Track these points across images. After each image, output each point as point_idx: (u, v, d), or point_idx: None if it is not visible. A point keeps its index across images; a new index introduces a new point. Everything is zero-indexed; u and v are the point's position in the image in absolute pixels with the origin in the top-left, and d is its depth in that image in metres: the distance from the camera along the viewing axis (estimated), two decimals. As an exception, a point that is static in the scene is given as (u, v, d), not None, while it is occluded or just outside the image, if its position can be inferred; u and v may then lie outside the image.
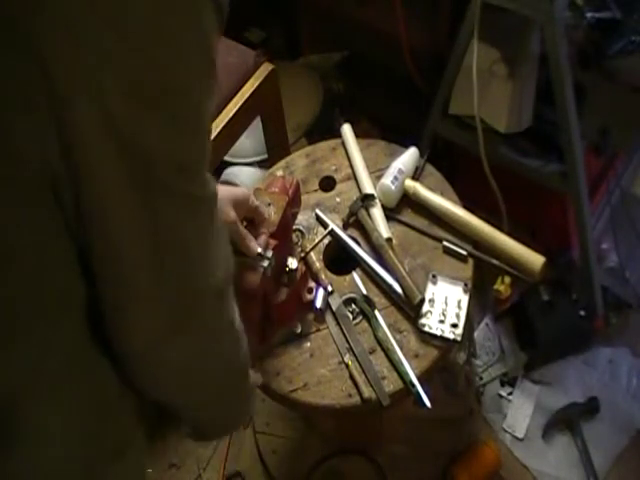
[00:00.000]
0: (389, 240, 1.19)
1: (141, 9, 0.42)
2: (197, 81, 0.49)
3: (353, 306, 1.16)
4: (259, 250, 0.97)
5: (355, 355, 1.10)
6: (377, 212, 1.23)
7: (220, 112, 1.44)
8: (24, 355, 0.49)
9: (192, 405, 0.68)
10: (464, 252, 1.18)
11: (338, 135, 1.37)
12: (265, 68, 1.52)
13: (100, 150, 0.43)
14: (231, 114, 1.45)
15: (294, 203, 1.13)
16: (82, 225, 0.47)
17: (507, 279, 1.71)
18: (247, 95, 1.48)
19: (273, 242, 1.02)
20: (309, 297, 1.15)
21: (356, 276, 1.19)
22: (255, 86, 1.49)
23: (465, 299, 1.14)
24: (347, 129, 1.37)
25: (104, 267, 0.50)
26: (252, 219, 1.02)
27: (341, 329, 1.13)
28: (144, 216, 0.47)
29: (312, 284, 1.16)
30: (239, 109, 1.46)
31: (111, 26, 0.41)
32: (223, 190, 0.94)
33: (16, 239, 0.44)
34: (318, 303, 1.14)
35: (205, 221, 0.54)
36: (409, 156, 1.29)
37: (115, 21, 0.41)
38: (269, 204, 1.06)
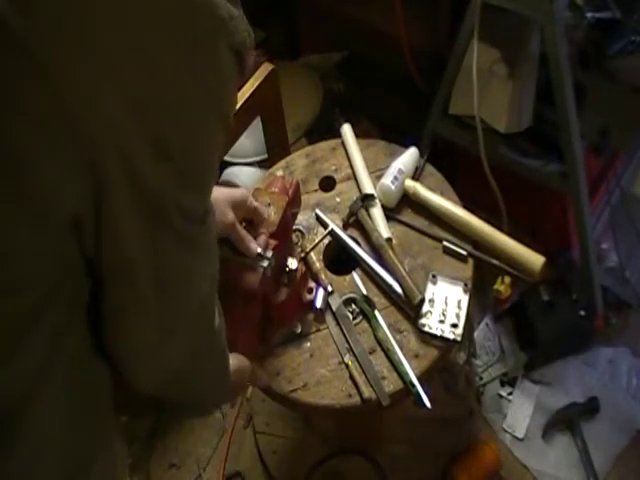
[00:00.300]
0: (389, 240, 1.19)
1: (168, 75, 0.45)
2: (214, 140, 0.54)
3: (353, 306, 1.15)
4: (259, 250, 0.97)
5: (355, 355, 1.10)
6: (377, 212, 1.23)
7: (220, 112, 1.44)
8: (32, 358, 0.50)
9: (181, 395, 0.74)
10: (464, 252, 1.18)
11: (338, 135, 1.37)
12: (265, 68, 1.51)
13: (121, 196, 0.47)
14: (231, 114, 1.44)
15: (294, 203, 1.13)
16: (98, 247, 0.51)
17: (507, 279, 1.71)
18: (247, 95, 1.48)
19: (273, 242, 1.02)
20: (309, 297, 1.15)
21: (356, 276, 1.19)
22: (255, 86, 1.49)
23: (465, 299, 1.14)
24: (347, 129, 1.36)
25: (115, 280, 0.54)
26: (251, 220, 1.02)
27: (341, 329, 1.13)
28: (151, 249, 0.53)
29: (312, 284, 1.16)
30: (239, 109, 1.46)
31: (138, 85, 0.44)
32: (222, 191, 0.95)
33: (37, 262, 0.47)
34: (318, 303, 1.14)
35: (200, 253, 0.60)
36: (409, 156, 1.29)
37: (141, 83, 0.44)
38: (269, 204, 1.06)
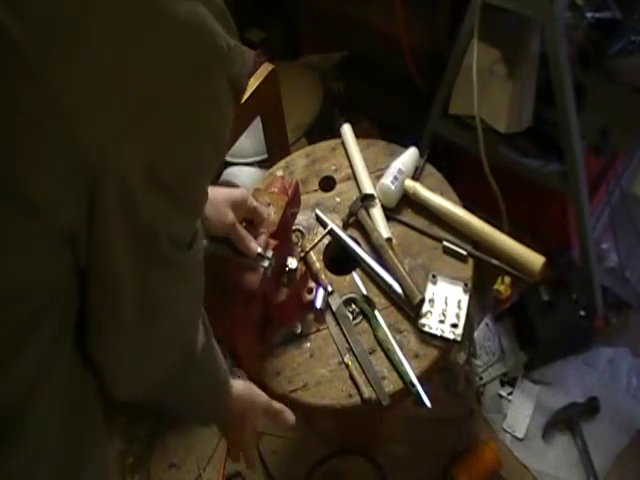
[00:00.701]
0: (389, 240, 1.19)
1: (163, 105, 0.45)
2: (208, 167, 0.55)
3: (353, 306, 1.15)
4: (259, 250, 0.97)
5: (355, 355, 1.10)
6: (377, 212, 1.23)
7: (220, 112, 1.44)
8: (31, 365, 0.51)
9: (166, 408, 0.77)
10: (464, 252, 1.18)
11: (338, 135, 1.37)
12: (265, 68, 1.51)
13: (113, 210, 0.47)
14: (231, 114, 1.44)
15: (294, 203, 1.13)
16: (89, 260, 0.51)
17: (507, 279, 1.71)
18: (247, 95, 1.48)
19: (273, 242, 1.02)
20: (309, 297, 1.15)
21: (356, 276, 1.19)
22: (255, 86, 1.49)
23: (465, 299, 1.14)
24: (347, 129, 1.37)
25: (100, 296, 0.54)
26: (251, 219, 1.02)
27: (341, 329, 1.13)
28: (138, 271, 0.53)
29: (312, 284, 1.16)
30: (239, 109, 1.46)
31: (132, 104, 0.43)
32: (221, 192, 0.95)
33: (35, 270, 0.47)
34: (318, 303, 1.14)
35: (185, 279, 0.60)
36: (409, 156, 1.29)
37: (135, 106, 0.44)
38: (269, 204, 1.06)
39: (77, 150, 0.42)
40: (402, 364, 1.07)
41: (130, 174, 0.45)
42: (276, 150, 1.69)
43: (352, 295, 1.16)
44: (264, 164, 1.88)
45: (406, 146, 1.32)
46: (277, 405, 0.92)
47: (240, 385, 0.86)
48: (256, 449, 0.98)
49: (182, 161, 0.49)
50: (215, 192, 0.95)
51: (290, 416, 0.93)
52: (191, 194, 0.54)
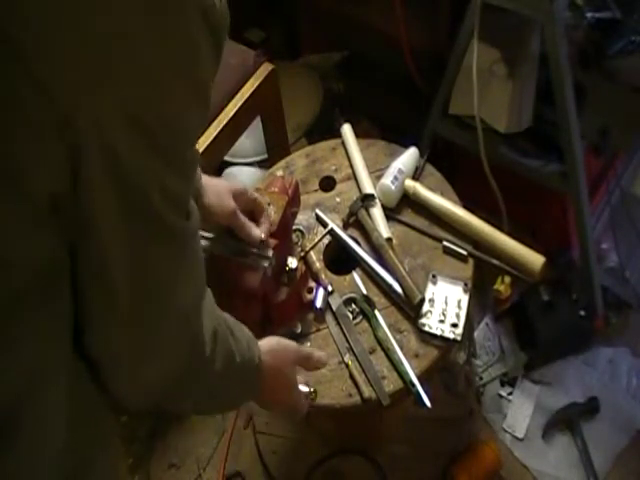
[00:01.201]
0: (389, 240, 1.19)
1: (144, 55, 0.44)
2: (192, 117, 0.51)
3: (353, 306, 1.15)
4: (262, 236, 0.97)
5: (355, 355, 1.10)
6: (377, 212, 1.23)
7: (220, 112, 1.44)
8: (26, 362, 0.50)
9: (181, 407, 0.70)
10: (464, 252, 1.18)
11: (338, 135, 1.37)
12: (265, 68, 1.51)
13: (96, 170, 0.45)
14: (231, 114, 1.45)
15: (294, 203, 1.13)
16: (75, 235, 0.48)
17: (507, 279, 1.71)
18: (247, 95, 1.48)
19: (273, 242, 1.02)
20: (309, 297, 1.15)
21: (356, 276, 1.19)
22: (255, 86, 1.49)
23: (465, 299, 1.14)
24: (347, 129, 1.36)
25: (89, 281, 0.51)
26: (251, 211, 1.01)
27: (341, 329, 1.13)
28: (128, 240, 0.49)
29: (312, 284, 1.16)
30: (239, 109, 1.46)
31: (100, 48, 0.42)
32: (222, 182, 0.96)
33: (19, 242, 0.46)
34: (318, 303, 1.14)
35: (185, 255, 0.55)
36: (409, 156, 1.29)
37: (103, 45, 0.42)
38: (269, 204, 1.06)
39: (51, 103, 0.41)
40: (402, 364, 1.07)
41: (109, 122, 0.43)
42: (276, 150, 1.69)
43: (352, 295, 1.16)
44: (264, 164, 1.88)
45: (406, 146, 1.32)
46: (305, 350, 0.87)
47: (266, 347, 0.78)
48: (306, 406, 0.89)
49: (161, 104, 0.47)
50: (217, 181, 0.96)
51: (322, 356, 0.90)
52: (177, 144, 0.50)
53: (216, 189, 0.94)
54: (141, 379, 0.59)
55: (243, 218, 0.96)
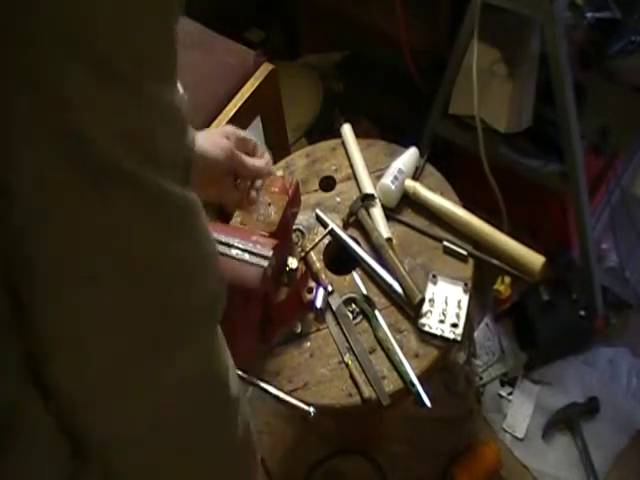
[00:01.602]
0: (389, 240, 1.19)
1: None
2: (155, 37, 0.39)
3: (353, 306, 1.16)
4: (263, 164, 0.97)
5: (355, 355, 1.10)
6: (377, 212, 1.23)
7: (220, 112, 1.44)
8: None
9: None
10: (464, 252, 1.18)
11: (338, 135, 1.37)
12: (265, 68, 1.52)
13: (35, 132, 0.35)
14: (231, 114, 1.45)
15: (294, 203, 1.13)
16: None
17: (507, 279, 1.71)
18: (247, 95, 1.48)
19: (273, 242, 1.02)
20: (309, 297, 1.15)
21: (356, 276, 1.19)
22: (255, 86, 1.49)
23: (465, 299, 1.14)
24: (347, 129, 1.37)
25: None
26: (246, 152, 0.98)
27: (341, 329, 1.13)
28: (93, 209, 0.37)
29: (312, 284, 1.16)
30: (239, 109, 1.46)
31: None
32: (211, 129, 0.96)
33: None
34: (318, 303, 1.14)
35: (181, 223, 0.43)
36: (409, 156, 1.29)
37: None
38: (269, 204, 1.06)
39: None
40: (402, 364, 1.07)
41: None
42: (276, 150, 1.69)
43: (352, 295, 1.16)
44: (264, 164, 1.88)
45: (406, 146, 1.32)
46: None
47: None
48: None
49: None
50: (206, 130, 0.96)
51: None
52: (148, 79, 0.39)
53: (208, 134, 0.92)
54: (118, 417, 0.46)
55: (241, 155, 0.94)
